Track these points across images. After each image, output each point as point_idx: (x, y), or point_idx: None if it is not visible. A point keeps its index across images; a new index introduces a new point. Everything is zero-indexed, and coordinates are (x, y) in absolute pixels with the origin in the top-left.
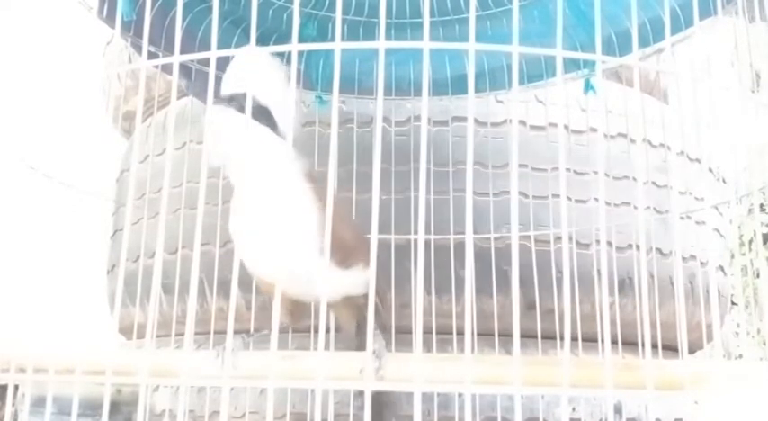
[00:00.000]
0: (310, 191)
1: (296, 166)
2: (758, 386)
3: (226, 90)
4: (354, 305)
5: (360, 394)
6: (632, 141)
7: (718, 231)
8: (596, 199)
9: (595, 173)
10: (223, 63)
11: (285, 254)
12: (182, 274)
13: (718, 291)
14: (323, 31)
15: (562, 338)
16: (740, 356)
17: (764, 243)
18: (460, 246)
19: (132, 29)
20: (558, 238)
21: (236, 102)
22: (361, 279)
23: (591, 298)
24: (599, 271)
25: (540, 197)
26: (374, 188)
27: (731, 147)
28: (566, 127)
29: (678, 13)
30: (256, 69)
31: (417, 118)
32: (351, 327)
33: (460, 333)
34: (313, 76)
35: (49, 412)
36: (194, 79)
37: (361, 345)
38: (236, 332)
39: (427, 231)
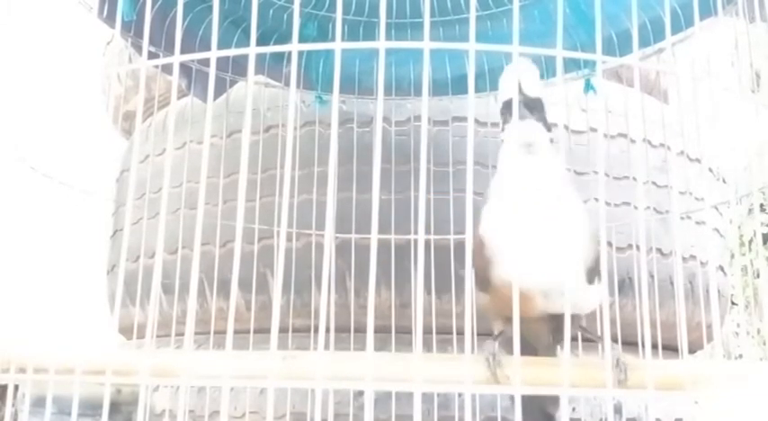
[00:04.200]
0: (582, 206)
1: (566, 178)
2: (758, 386)
3: (504, 96)
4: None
5: (360, 394)
6: (632, 141)
7: (718, 231)
8: (596, 199)
9: (595, 173)
10: (223, 63)
11: (557, 268)
12: (182, 274)
13: (719, 291)
14: (323, 31)
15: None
16: (740, 356)
17: (764, 243)
18: (460, 246)
19: (132, 29)
20: None
21: (535, 109)
22: (597, 296)
23: None
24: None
25: None
26: (374, 188)
27: (731, 147)
28: (566, 127)
29: (678, 13)
30: (526, 74)
31: (417, 118)
32: (546, 337)
33: (460, 333)
34: (313, 75)
35: (49, 412)
36: (195, 80)
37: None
38: (235, 332)
39: (427, 231)
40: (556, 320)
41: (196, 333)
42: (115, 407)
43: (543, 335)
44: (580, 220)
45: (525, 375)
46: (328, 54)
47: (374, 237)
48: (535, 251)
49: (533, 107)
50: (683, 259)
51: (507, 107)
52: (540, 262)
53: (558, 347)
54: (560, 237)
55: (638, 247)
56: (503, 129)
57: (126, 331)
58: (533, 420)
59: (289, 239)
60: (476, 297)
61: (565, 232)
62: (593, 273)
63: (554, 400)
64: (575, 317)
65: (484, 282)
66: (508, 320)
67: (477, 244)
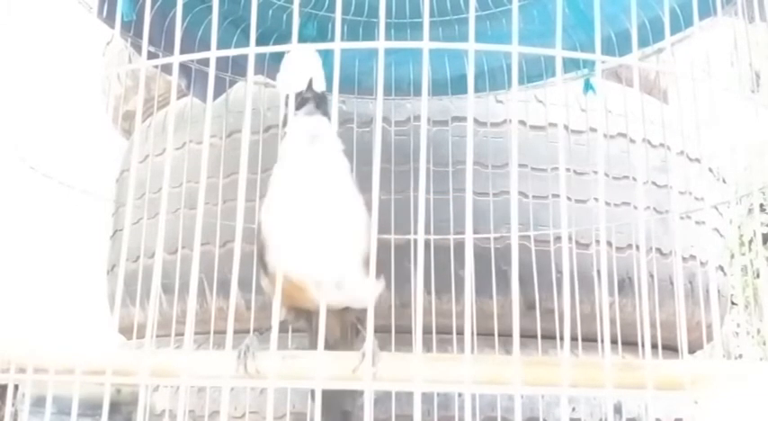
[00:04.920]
0: (361, 199)
1: (348, 172)
2: (758, 386)
3: (294, 88)
4: (348, 312)
5: (360, 394)
6: (632, 141)
7: (718, 231)
8: (596, 199)
9: (595, 173)
10: (223, 63)
11: (330, 259)
12: (182, 274)
13: (719, 291)
14: (322, 31)
15: (562, 338)
16: (740, 356)
17: (764, 243)
18: (460, 246)
19: (132, 29)
20: (558, 238)
21: (321, 104)
22: (379, 290)
23: (591, 298)
24: (599, 271)
25: (539, 197)
26: (374, 188)
27: (731, 147)
28: (565, 127)
29: (678, 13)
30: (313, 66)
31: (417, 118)
32: (335, 332)
33: (460, 333)
34: None
35: (49, 412)
36: (194, 80)
37: (343, 348)
38: (235, 332)
39: (427, 231)
40: (344, 314)
41: (196, 333)
42: (115, 407)
43: (332, 328)
44: (357, 214)
45: (525, 375)
46: (328, 54)
47: (374, 237)
48: (308, 241)
49: (320, 103)
50: (683, 259)
51: (297, 99)
52: (312, 253)
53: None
54: (336, 230)
55: (637, 247)
56: (284, 123)
57: (126, 331)
58: (331, 418)
59: None
60: (260, 279)
61: (341, 225)
62: (368, 267)
63: (352, 396)
64: (351, 310)
65: (263, 265)
66: (291, 310)
67: (257, 227)
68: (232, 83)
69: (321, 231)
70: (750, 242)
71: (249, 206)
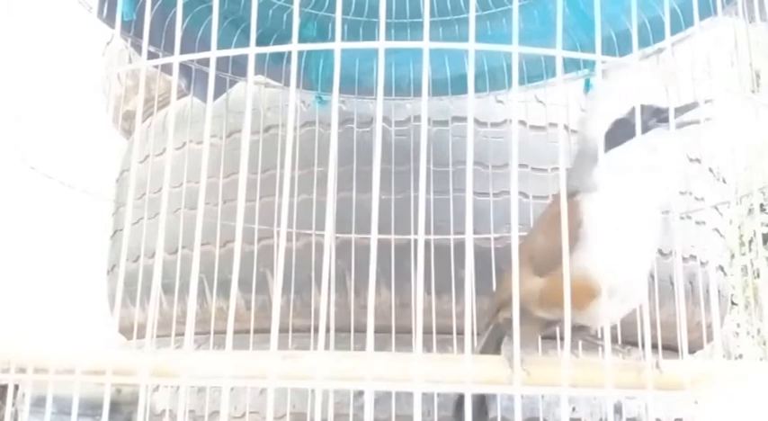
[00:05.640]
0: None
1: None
2: (758, 386)
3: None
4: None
5: (360, 394)
6: None
7: (718, 231)
8: None
9: None
10: (223, 63)
11: (633, 273)
12: (182, 274)
13: (719, 291)
14: (323, 31)
15: (562, 338)
16: (740, 356)
17: (764, 243)
18: (460, 246)
19: (132, 29)
20: None
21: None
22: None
23: None
24: None
25: (540, 197)
26: (374, 188)
27: (731, 147)
28: (566, 127)
29: (678, 13)
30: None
31: (417, 118)
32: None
33: (460, 333)
34: (313, 76)
35: (49, 412)
36: (194, 80)
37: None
38: (235, 332)
39: (427, 231)
40: (549, 324)
41: (196, 333)
42: (115, 407)
43: (532, 336)
44: (657, 240)
45: (525, 375)
46: (328, 54)
47: (374, 237)
48: (629, 251)
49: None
50: (683, 259)
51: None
52: (622, 263)
53: None
54: (644, 248)
55: None
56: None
57: (126, 331)
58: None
59: (289, 239)
60: (523, 282)
61: (649, 244)
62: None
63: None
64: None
65: (550, 263)
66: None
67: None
68: (232, 83)
69: (640, 246)
70: (750, 242)
71: (249, 206)
